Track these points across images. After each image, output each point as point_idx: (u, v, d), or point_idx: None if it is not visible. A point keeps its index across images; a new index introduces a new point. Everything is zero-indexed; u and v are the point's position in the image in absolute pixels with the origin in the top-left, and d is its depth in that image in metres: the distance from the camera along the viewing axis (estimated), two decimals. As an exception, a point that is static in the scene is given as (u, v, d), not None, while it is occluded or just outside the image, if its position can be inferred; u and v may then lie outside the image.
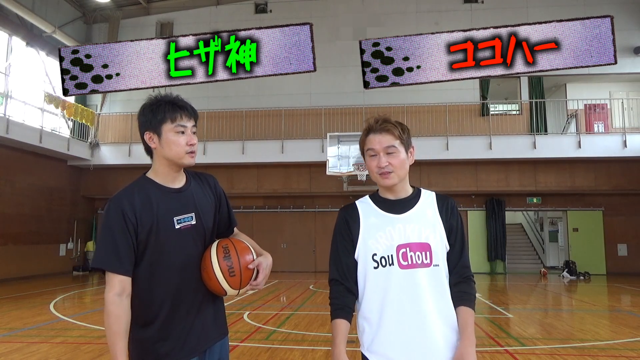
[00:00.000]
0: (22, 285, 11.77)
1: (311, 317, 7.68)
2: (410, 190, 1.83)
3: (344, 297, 1.77)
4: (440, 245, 1.74)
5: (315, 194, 15.87)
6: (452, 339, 1.70)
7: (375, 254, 1.73)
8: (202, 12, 17.00)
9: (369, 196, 1.87)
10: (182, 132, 1.78)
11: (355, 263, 1.78)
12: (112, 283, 1.68)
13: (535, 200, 16.07)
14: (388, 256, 1.71)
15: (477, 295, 1.77)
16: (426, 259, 1.70)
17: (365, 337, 1.74)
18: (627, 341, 5.93)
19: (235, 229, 2.08)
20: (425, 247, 1.71)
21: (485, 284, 12.99)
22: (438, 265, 1.72)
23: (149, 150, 1.85)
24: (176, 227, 1.77)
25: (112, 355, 1.64)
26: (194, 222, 1.82)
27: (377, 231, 1.75)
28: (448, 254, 1.76)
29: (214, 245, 1.84)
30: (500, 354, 5.21)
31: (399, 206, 1.79)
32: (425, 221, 1.75)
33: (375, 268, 1.73)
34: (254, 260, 1.86)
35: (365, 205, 1.83)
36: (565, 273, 14.94)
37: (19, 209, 13.42)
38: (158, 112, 1.77)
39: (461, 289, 1.74)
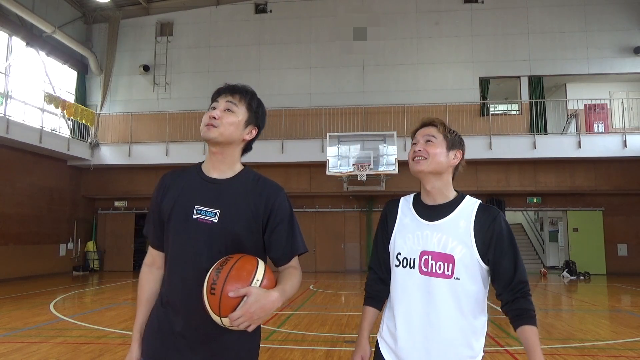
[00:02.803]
0: (22, 285, 11.77)
1: (311, 317, 7.68)
2: (451, 197, 1.78)
3: (376, 286, 1.89)
4: (467, 259, 1.67)
5: (315, 194, 15.87)
6: (463, 353, 1.67)
7: (399, 253, 1.79)
8: (202, 12, 17.00)
9: (415, 195, 1.90)
10: (214, 109, 1.71)
11: (389, 255, 1.86)
12: (147, 253, 1.78)
13: (535, 200, 16.07)
14: (411, 259, 1.75)
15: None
16: (447, 270, 1.68)
17: (382, 323, 1.87)
18: (627, 341, 5.93)
19: (293, 261, 1.77)
20: (448, 259, 1.68)
21: (485, 284, 12.99)
22: (459, 279, 1.67)
23: None
24: (193, 216, 1.61)
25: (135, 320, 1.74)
26: (216, 220, 1.60)
27: (407, 232, 1.79)
28: (495, 269, 1.69)
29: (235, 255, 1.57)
30: (500, 354, 5.22)
31: (434, 212, 1.77)
32: (454, 232, 1.70)
33: (396, 266, 1.79)
34: (245, 287, 1.44)
35: (406, 204, 1.88)
36: (565, 273, 14.94)
37: (19, 209, 13.42)
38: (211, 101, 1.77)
39: (519, 306, 1.66)
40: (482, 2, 16.05)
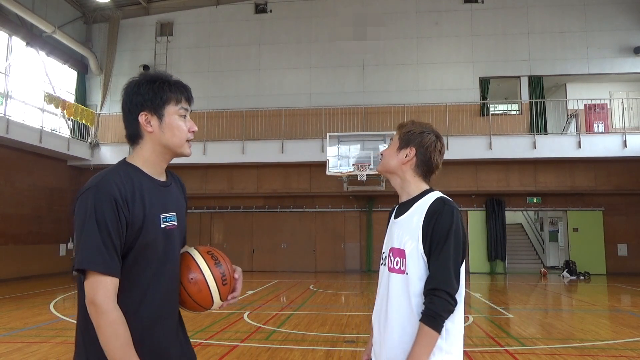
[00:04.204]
0: (22, 285, 11.77)
1: (311, 317, 7.68)
2: (413, 194, 1.79)
3: None
4: (415, 253, 1.65)
5: (315, 194, 15.87)
6: (407, 324, 1.64)
7: (383, 252, 1.84)
8: (202, 12, 17.01)
9: None
10: (184, 117, 1.57)
11: None
12: (106, 287, 1.36)
13: (535, 200, 16.07)
14: (384, 257, 1.80)
15: (455, 299, 1.60)
16: (402, 265, 1.68)
17: None
18: (627, 341, 5.93)
19: None
20: (401, 254, 1.69)
21: (486, 284, 12.99)
22: (408, 274, 1.65)
23: (135, 136, 1.55)
24: (162, 225, 1.51)
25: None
26: (176, 223, 1.57)
27: (387, 231, 1.86)
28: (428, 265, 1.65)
29: (194, 253, 1.60)
30: (500, 354, 5.21)
31: (400, 210, 1.82)
32: (408, 227, 1.70)
33: (380, 263, 1.84)
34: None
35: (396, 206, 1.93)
36: (565, 273, 14.94)
37: (19, 209, 13.42)
38: (161, 90, 1.53)
39: (424, 303, 1.59)
40: (482, 2, 16.05)
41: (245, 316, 7.54)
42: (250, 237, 16.61)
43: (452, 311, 1.59)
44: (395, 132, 1.88)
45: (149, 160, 1.56)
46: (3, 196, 12.91)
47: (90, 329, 1.39)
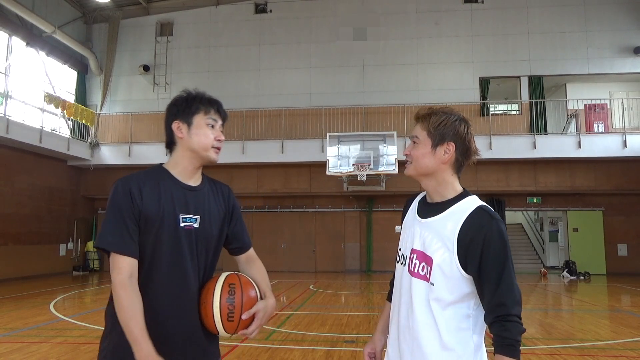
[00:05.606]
0: (22, 285, 11.77)
1: (311, 317, 7.68)
2: (449, 196, 1.62)
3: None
4: (447, 266, 1.51)
5: (315, 194, 15.87)
6: (444, 356, 1.52)
7: (400, 249, 1.73)
8: (202, 12, 17.00)
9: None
10: (212, 127, 1.77)
11: None
12: (121, 265, 1.57)
13: (535, 200, 16.07)
14: (404, 256, 1.68)
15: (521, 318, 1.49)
16: (427, 273, 1.55)
17: None
18: (627, 341, 5.93)
19: (251, 251, 1.97)
20: (428, 261, 1.55)
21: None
22: (433, 285, 1.53)
23: (171, 143, 1.79)
24: (180, 224, 1.68)
25: (132, 341, 1.52)
26: (197, 226, 1.72)
27: (406, 229, 1.73)
28: (477, 285, 1.50)
29: (221, 280, 1.70)
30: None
31: (429, 210, 1.65)
32: (439, 234, 1.55)
33: (396, 262, 1.74)
34: (255, 304, 1.71)
35: (416, 201, 1.77)
36: (565, 273, 14.94)
37: (19, 209, 13.42)
38: (193, 103, 1.76)
39: (495, 332, 1.45)
40: (482, 2, 16.05)
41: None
42: (250, 237, 16.57)
43: (524, 331, 1.47)
44: (417, 127, 1.68)
45: (179, 164, 1.77)
46: (3, 196, 12.91)
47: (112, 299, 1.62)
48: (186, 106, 1.76)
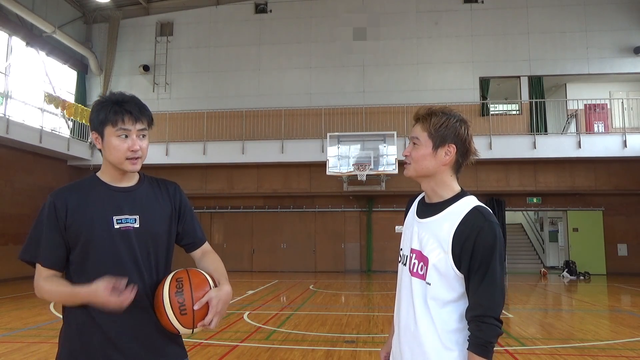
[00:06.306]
0: (22, 285, 11.76)
1: (311, 317, 7.68)
2: (447, 196, 1.63)
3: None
4: (442, 266, 1.54)
5: (315, 194, 15.87)
6: (444, 355, 1.55)
7: (401, 249, 1.74)
8: (202, 12, 17.01)
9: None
10: (126, 136, 1.67)
11: None
12: (39, 271, 1.68)
13: (535, 200, 16.07)
14: (406, 256, 1.69)
15: (501, 321, 1.55)
16: (424, 272, 1.58)
17: None
18: (627, 341, 5.93)
19: (206, 245, 1.90)
20: (424, 260, 1.58)
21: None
22: (430, 284, 1.56)
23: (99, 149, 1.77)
24: (115, 226, 1.66)
25: (72, 297, 1.62)
26: (137, 225, 1.69)
27: (406, 229, 1.75)
28: (466, 283, 1.53)
29: (169, 277, 1.68)
30: (500, 354, 5.21)
31: (427, 210, 1.67)
32: (436, 235, 1.57)
33: (399, 261, 1.75)
34: (207, 293, 1.64)
35: (416, 201, 1.79)
36: (565, 273, 14.95)
37: (19, 209, 13.42)
38: (101, 112, 1.67)
39: (471, 330, 1.51)
40: (482, 2, 16.05)
41: (245, 316, 7.55)
42: (250, 237, 16.61)
43: (501, 334, 1.52)
44: (417, 128, 1.68)
45: (105, 172, 1.76)
46: (3, 196, 12.91)
47: (65, 309, 1.70)
48: (96, 117, 1.69)
